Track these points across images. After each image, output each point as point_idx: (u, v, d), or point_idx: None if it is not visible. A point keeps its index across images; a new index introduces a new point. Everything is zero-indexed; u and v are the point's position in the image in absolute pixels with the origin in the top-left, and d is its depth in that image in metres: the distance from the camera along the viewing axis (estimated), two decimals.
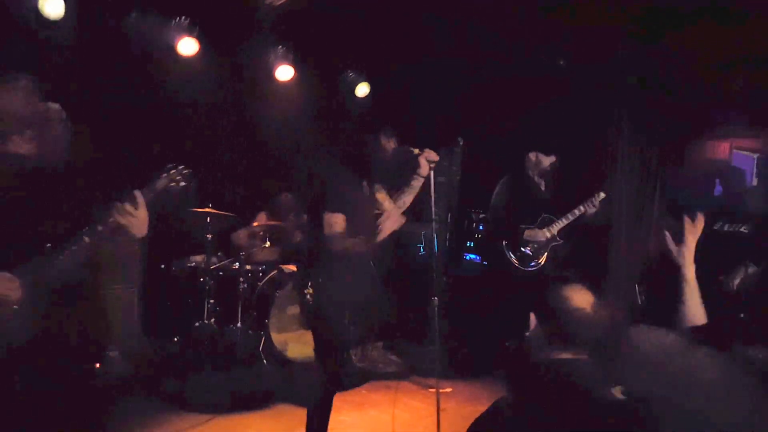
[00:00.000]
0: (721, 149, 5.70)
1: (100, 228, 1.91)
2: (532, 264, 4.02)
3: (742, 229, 4.12)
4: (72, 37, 3.78)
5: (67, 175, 2.06)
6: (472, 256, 5.48)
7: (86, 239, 1.90)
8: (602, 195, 4.00)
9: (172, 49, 4.30)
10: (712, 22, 4.09)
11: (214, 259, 4.49)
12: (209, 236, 4.34)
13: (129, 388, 3.58)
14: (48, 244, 1.89)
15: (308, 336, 4.21)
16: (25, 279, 1.85)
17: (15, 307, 1.83)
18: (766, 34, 4.00)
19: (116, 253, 2.00)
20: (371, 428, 3.41)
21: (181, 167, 2.10)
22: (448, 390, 3.89)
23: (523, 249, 4.02)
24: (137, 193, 1.94)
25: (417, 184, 3.01)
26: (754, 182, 5.07)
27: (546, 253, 4.02)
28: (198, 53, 4.37)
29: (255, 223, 4.69)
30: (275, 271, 4.49)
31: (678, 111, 4.80)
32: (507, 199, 4.13)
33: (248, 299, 4.43)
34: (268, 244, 4.71)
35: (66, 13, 3.72)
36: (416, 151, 3.01)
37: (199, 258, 4.56)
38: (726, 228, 4.16)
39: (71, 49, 3.78)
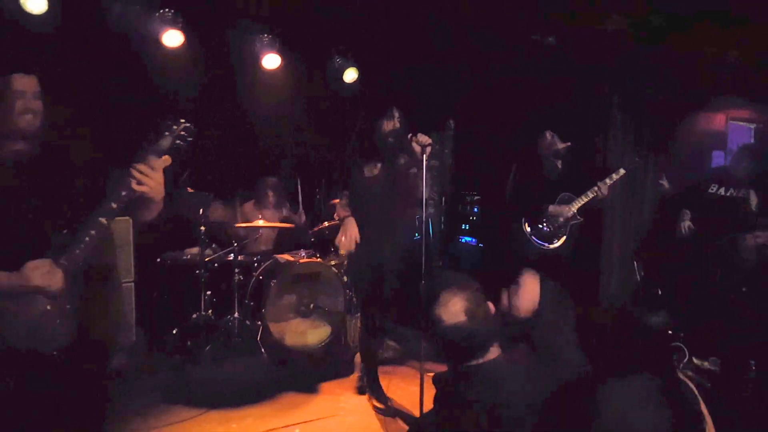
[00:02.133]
0: (718, 121, 5.65)
1: (113, 205, 1.85)
2: (550, 243, 3.97)
3: (739, 194, 4.10)
4: (56, 30, 3.75)
5: (63, 157, 2.01)
6: (468, 239, 5.46)
7: (102, 220, 1.86)
8: (622, 171, 3.93)
9: (157, 41, 4.25)
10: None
11: (208, 251, 4.49)
12: (203, 228, 4.33)
13: (126, 381, 3.59)
14: (64, 231, 1.86)
15: (304, 325, 4.26)
16: (61, 268, 1.82)
17: (48, 306, 1.81)
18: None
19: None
20: (369, 413, 3.41)
21: (181, 121, 1.99)
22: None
23: (540, 227, 3.97)
24: (151, 156, 1.89)
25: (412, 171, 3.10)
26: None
27: (565, 232, 3.98)
28: (183, 44, 4.32)
29: (261, 222, 4.64)
30: (270, 261, 4.48)
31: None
32: (524, 179, 4.08)
33: (244, 290, 4.43)
34: (260, 234, 4.70)
35: (48, 7, 3.68)
36: (409, 136, 3.00)
37: (193, 250, 4.55)
38: (721, 192, 4.15)
39: (56, 42, 3.77)
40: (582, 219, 3.98)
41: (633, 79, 4.79)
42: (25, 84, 1.92)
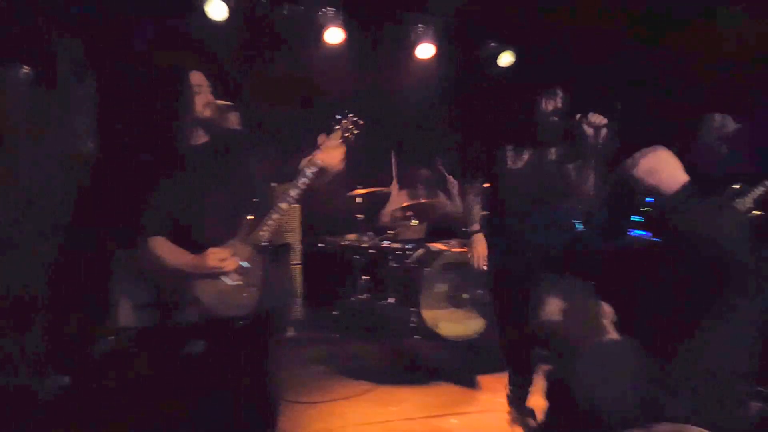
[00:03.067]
0: None
1: (292, 193, 2.04)
2: None
3: None
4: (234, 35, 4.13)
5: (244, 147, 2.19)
6: (640, 233, 5.03)
7: (283, 205, 2.05)
8: None
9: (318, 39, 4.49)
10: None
11: (364, 238, 4.70)
12: (360, 216, 4.54)
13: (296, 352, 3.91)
14: (251, 216, 2.06)
15: (457, 315, 4.27)
16: (240, 251, 2.04)
17: (234, 281, 2.04)
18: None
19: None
20: None
21: (350, 115, 2.12)
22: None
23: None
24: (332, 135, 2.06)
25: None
26: None
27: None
28: (344, 41, 4.51)
29: (402, 203, 4.79)
30: (422, 249, 4.56)
31: None
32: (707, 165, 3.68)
33: (398, 276, 4.57)
34: (414, 222, 4.80)
35: (229, 14, 4.06)
36: (577, 116, 2.73)
37: (352, 237, 4.80)
38: None
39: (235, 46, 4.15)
40: (761, 212, 3.45)
41: None
42: (200, 79, 2.10)
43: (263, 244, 2.07)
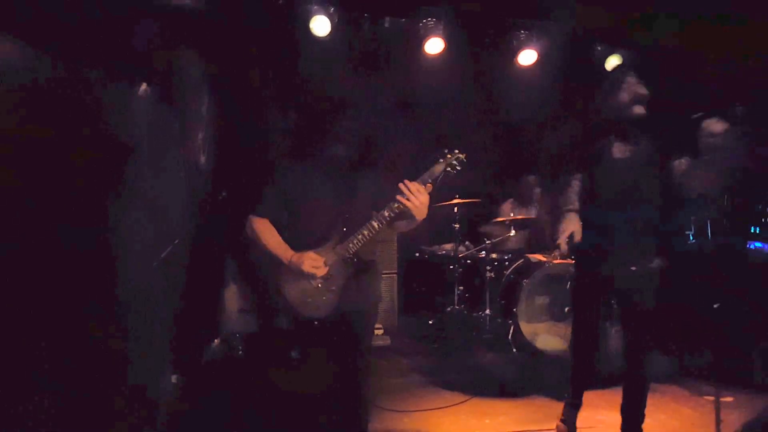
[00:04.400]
0: None
1: (387, 214, 2.16)
2: None
3: None
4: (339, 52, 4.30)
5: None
6: (759, 245, 4.57)
7: (375, 224, 2.19)
8: None
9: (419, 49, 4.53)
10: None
11: (461, 248, 4.66)
12: (457, 226, 4.51)
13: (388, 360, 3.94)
14: (344, 228, 2.24)
15: (557, 328, 4.10)
16: (328, 257, 2.23)
17: (319, 284, 2.23)
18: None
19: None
20: None
21: (456, 152, 2.20)
22: (729, 399, 3.34)
23: None
24: (424, 178, 2.15)
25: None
26: None
27: None
28: (443, 51, 4.52)
29: (503, 218, 4.70)
30: (522, 261, 4.43)
31: None
32: None
33: (495, 287, 4.47)
34: (513, 232, 4.68)
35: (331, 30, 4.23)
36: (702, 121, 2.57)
37: (448, 246, 4.77)
38: None
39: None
40: None
41: None
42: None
43: (348, 256, 2.23)
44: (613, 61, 4.76)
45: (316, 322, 2.25)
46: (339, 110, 2.30)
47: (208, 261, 3.87)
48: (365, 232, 2.20)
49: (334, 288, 2.24)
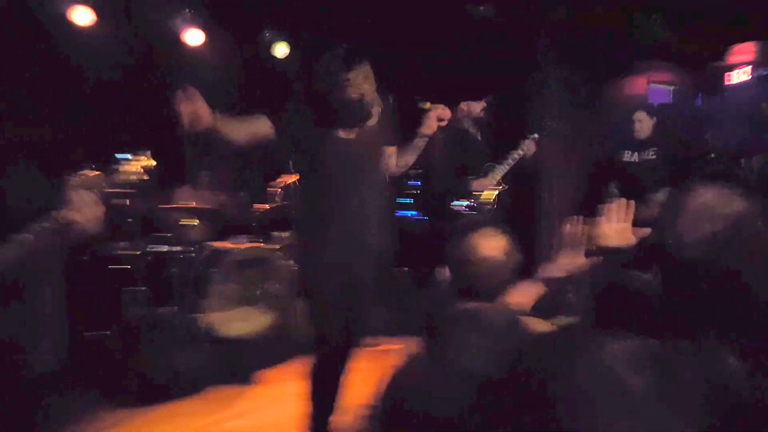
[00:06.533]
0: (639, 84, 5.86)
1: (46, 224, 1.74)
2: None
3: (650, 156, 4.33)
4: None
5: None
6: (409, 213, 5.43)
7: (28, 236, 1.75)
8: (536, 135, 3.98)
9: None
10: None
11: (140, 244, 4.25)
12: (130, 219, 4.08)
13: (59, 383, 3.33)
14: None
15: (249, 312, 4.11)
16: None
17: None
18: None
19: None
20: None
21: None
22: (396, 347, 3.85)
23: (470, 203, 3.97)
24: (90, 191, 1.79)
25: (421, 144, 2.58)
26: None
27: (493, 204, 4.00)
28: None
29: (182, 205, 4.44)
30: (208, 250, 4.29)
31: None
32: (447, 154, 4.02)
33: (182, 281, 4.22)
34: (196, 221, 4.49)
35: None
36: (427, 105, 2.56)
37: (123, 244, 4.29)
38: (635, 158, 4.36)
39: None
40: (507, 187, 4.01)
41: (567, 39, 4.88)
42: None
43: None
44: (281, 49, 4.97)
45: None
46: None
47: None
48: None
49: None
